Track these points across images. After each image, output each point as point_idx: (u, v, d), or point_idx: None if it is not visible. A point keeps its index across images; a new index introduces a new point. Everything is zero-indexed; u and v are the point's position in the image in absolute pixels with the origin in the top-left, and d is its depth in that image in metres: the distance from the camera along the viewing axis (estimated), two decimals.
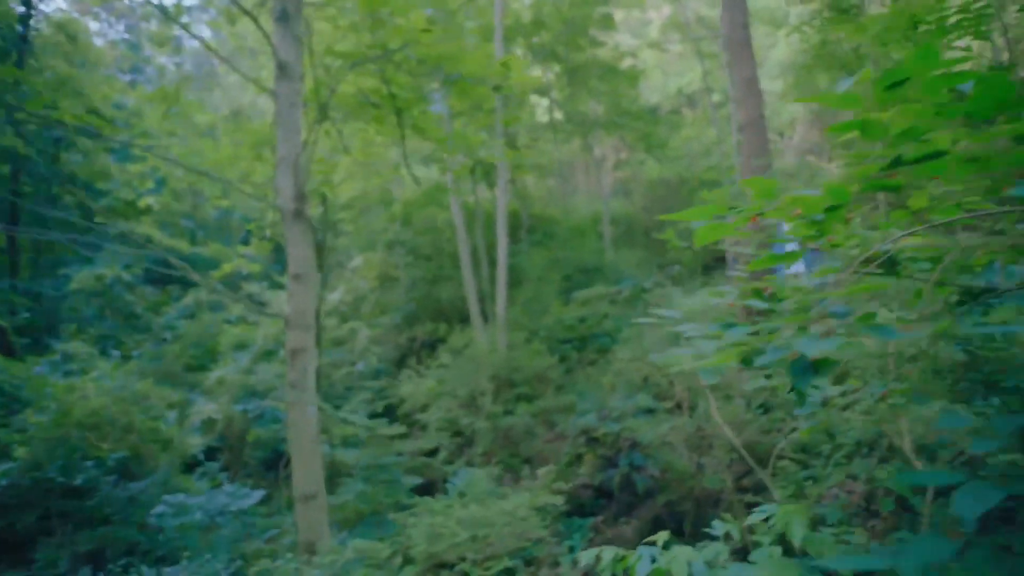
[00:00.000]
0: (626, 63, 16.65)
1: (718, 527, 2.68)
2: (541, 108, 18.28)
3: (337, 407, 9.46)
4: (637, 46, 19.66)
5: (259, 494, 7.57)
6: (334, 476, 8.01)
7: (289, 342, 5.43)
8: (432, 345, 11.90)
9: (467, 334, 10.83)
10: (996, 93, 1.46)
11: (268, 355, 12.12)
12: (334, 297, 11.23)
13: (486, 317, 10.60)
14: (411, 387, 10.69)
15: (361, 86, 7.78)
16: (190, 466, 9.54)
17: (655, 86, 22.92)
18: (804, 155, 18.58)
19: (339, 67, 6.81)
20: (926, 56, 1.46)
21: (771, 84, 16.51)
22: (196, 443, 9.64)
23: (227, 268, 10.28)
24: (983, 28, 4.45)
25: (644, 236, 15.27)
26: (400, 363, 12.82)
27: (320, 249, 16.55)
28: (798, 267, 7.15)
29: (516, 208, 15.11)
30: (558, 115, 16.75)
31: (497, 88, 7.25)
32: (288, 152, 5.58)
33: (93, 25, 22.85)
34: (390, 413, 10.43)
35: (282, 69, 5.62)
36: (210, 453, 10.20)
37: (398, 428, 8.35)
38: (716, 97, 18.50)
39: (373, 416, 9.76)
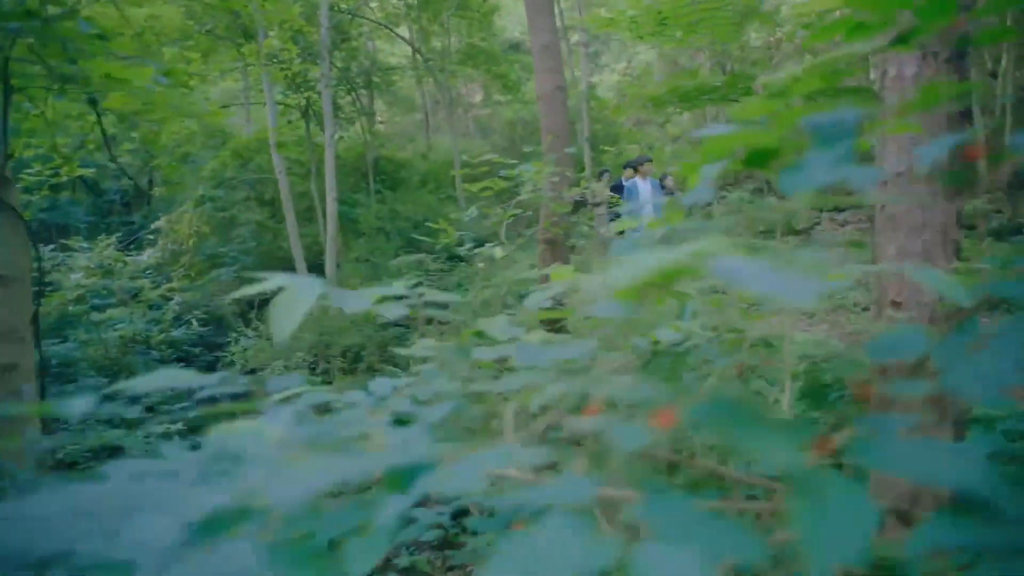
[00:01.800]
0: None
1: None
2: (401, 44, 17.13)
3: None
4: None
5: None
6: None
7: None
8: (267, 303, 11.12)
9: None
10: None
11: None
12: (143, 259, 10.11)
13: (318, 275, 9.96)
14: (238, 350, 10.00)
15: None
16: None
17: (521, 22, 22.18)
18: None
19: None
20: None
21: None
22: None
23: None
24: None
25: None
26: (231, 324, 11.95)
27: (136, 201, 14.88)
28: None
29: (364, 151, 14.27)
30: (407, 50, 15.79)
31: None
32: None
33: None
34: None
35: None
36: None
37: None
38: (577, 37, 18.18)
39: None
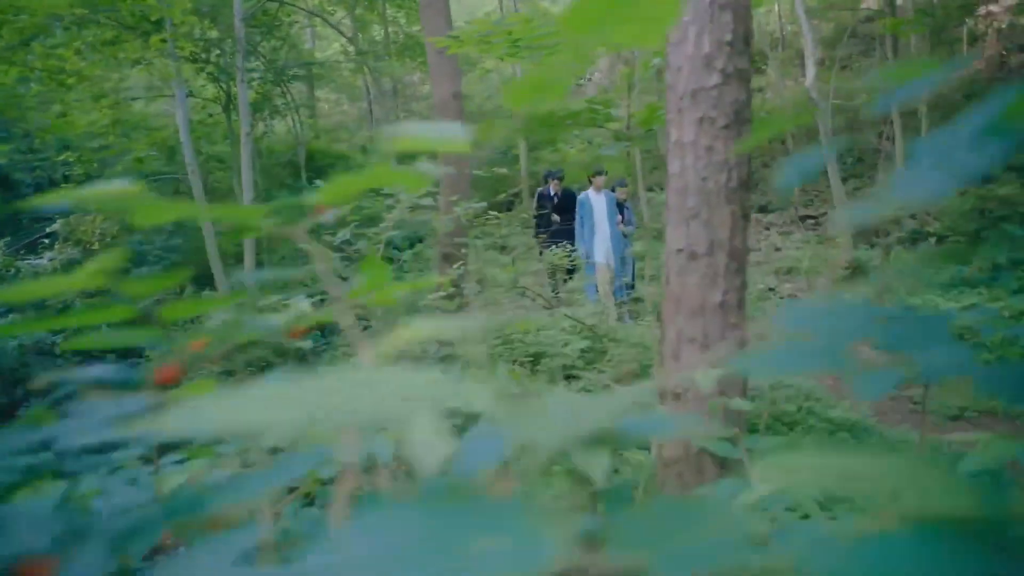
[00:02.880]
0: None
1: None
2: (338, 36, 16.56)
3: None
4: None
5: None
6: None
7: None
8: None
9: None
10: None
11: None
12: (43, 262, 9.46)
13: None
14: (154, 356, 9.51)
15: None
16: None
17: (467, 11, 21.76)
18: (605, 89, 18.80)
19: None
20: None
21: None
22: None
23: None
24: None
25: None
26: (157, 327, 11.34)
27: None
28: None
29: (295, 144, 13.80)
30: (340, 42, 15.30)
31: None
32: None
33: None
34: None
35: None
36: None
37: None
38: None
39: None
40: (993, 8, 13.55)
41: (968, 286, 6.30)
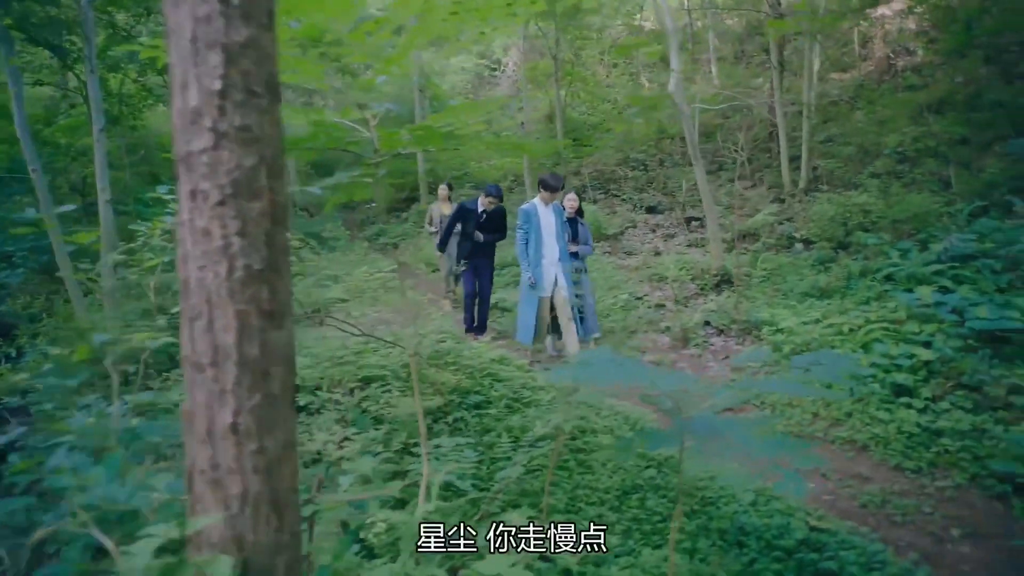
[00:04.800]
0: None
1: None
2: None
3: None
4: None
5: None
6: None
7: None
8: (37, 317, 9.78)
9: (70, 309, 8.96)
10: None
11: None
12: None
13: (86, 290, 8.81)
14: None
15: None
16: None
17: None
18: (516, 83, 18.53)
19: None
20: None
21: None
22: None
23: None
24: None
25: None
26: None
27: None
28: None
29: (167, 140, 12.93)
30: None
31: None
32: None
33: None
34: None
35: None
36: None
37: None
38: None
39: None
40: (885, 11, 13.93)
41: (825, 296, 6.32)
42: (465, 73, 18.58)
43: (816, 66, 11.80)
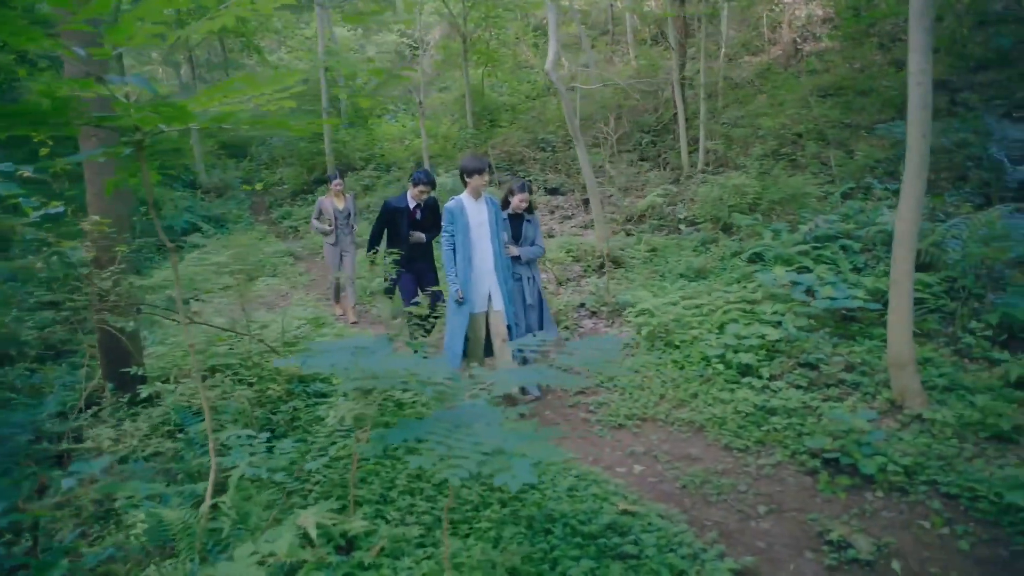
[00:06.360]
0: None
1: None
2: None
3: None
4: None
5: None
6: None
7: None
8: None
9: None
10: None
11: None
12: None
13: None
14: None
15: None
16: None
17: None
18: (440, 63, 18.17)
19: None
20: None
21: None
22: None
23: None
24: None
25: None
26: None
27: None
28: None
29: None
30: None
31: None
32: None
33: None
34: None
35: None
36: None
37: None
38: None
39: None
40: None
41: (700, 277, 6.41)
42: (384, 52, 18.10)
43: (723, 49, 11.95)
